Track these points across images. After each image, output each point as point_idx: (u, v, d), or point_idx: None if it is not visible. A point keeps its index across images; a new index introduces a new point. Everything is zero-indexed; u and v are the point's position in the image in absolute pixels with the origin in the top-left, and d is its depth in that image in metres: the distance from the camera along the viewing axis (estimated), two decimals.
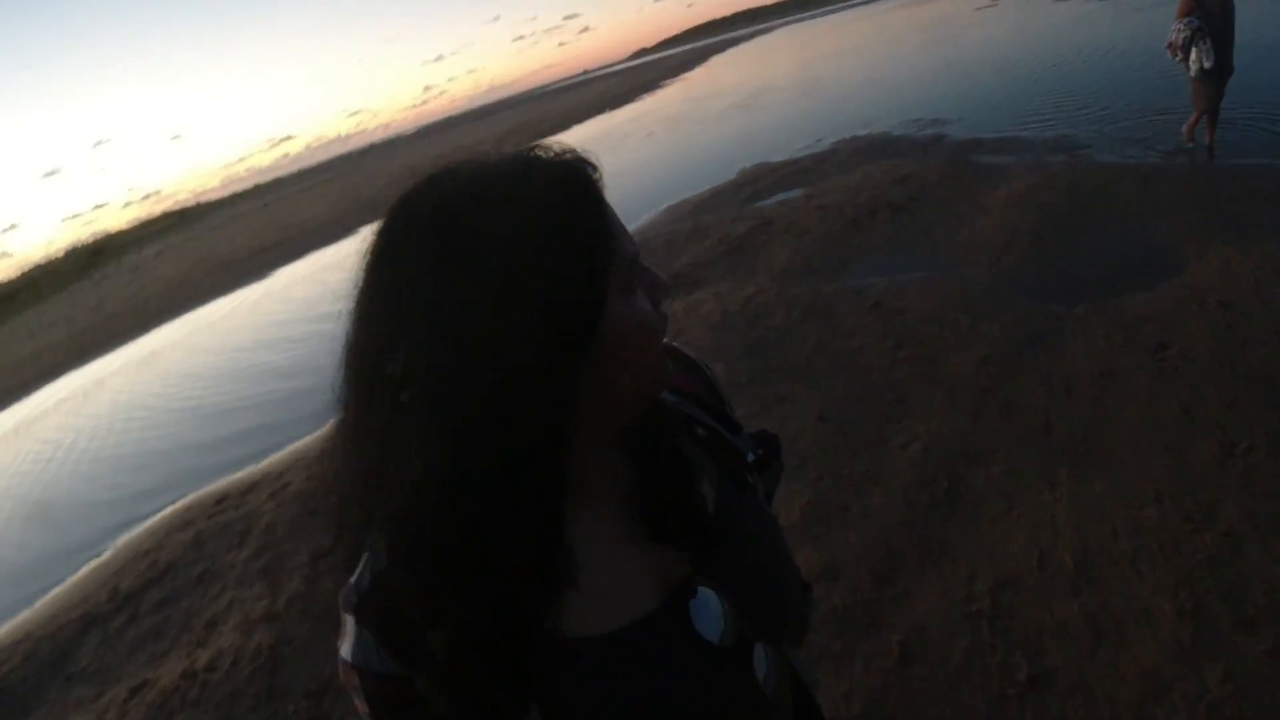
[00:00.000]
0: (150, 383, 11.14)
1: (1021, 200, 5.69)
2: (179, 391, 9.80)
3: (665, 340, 0.79)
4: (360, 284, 0.61)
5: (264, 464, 6.04)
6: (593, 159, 0.66)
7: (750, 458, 0.82)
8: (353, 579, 0.65)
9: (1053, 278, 4.41)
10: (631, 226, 6.39)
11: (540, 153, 0.63)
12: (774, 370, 4.13)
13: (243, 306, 14.77)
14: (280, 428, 6.72)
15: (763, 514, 0.79)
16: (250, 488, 5.58)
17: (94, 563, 5.57)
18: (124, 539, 5.73)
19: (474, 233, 0.57)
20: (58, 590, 5.38)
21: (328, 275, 14.10)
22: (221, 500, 5.51)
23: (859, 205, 6.60)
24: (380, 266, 0.60)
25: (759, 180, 8.62)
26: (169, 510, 5.79)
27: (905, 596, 2.46)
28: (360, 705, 0.65)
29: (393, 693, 0.63)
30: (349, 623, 0.64)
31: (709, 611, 0.66)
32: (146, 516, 5.98)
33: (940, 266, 4.94)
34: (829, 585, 2.63)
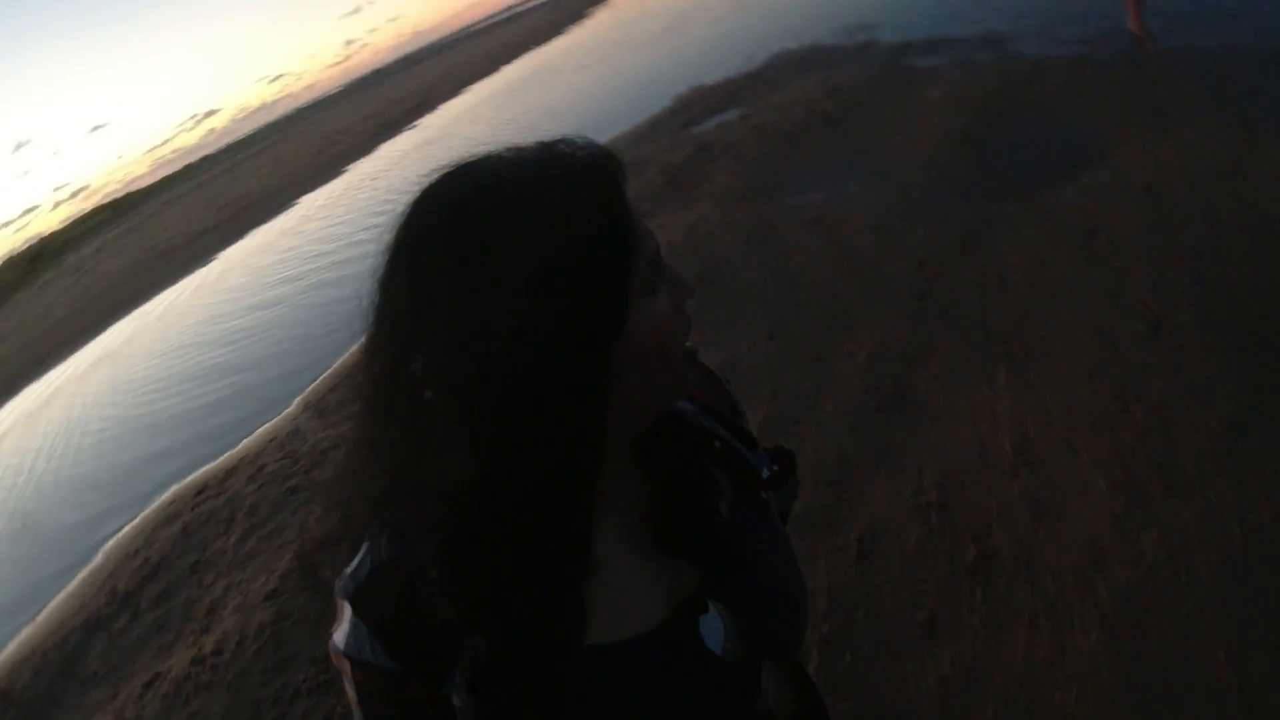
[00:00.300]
0: (107, 391, 10.98)
1: (952, 101, 5.76)
2: (135, 399, 9.67)
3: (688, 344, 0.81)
4: (380, 279, 0.60)
5: (238, 448, 6.09)
6: (616, 153, 0.64)
7: (765, 474, 0.80)
8: (350, 568, 0.65)
9: (985, 175, 4.54)
10: None
11: (564, 146, 0.62)
12: (722, 296, 4.24)
13: (189, 295, 14.53)
14: (245, 420, 6.73)
15: (775, 532, 0.78)
16: (228, 474, 5.63)
17: (87, 570, 5.62)
18: (112, 543, 5.78)
19: (496, 231, 0.56)
20: (55, 602, 5.44)
21: (263, 259, 13.87)
22: (201, 490, 5.57)
23: (794, 121, 6.63)
24: (400, 263, 0.59)
25: (694, 105, 8.59)
26: (153, 507, 5.84)
27: (859, 497, 2.63)
28: (350, 692, 0.65)
29: (383, 685, 0.63)
30: (345, 611, 0.64)
31: (714, 627, 0.65)
32: (132, 517, 6.02)
33: (876, 175, 5.04)
34: None
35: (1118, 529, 2.16)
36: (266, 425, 6.26)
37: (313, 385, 6.52)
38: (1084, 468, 2.38)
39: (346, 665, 0.64)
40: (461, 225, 0.57)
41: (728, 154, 6.39)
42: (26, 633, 5.30)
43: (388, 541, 0.63)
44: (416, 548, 0.60)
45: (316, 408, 6.04)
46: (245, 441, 6.20)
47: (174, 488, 5.99)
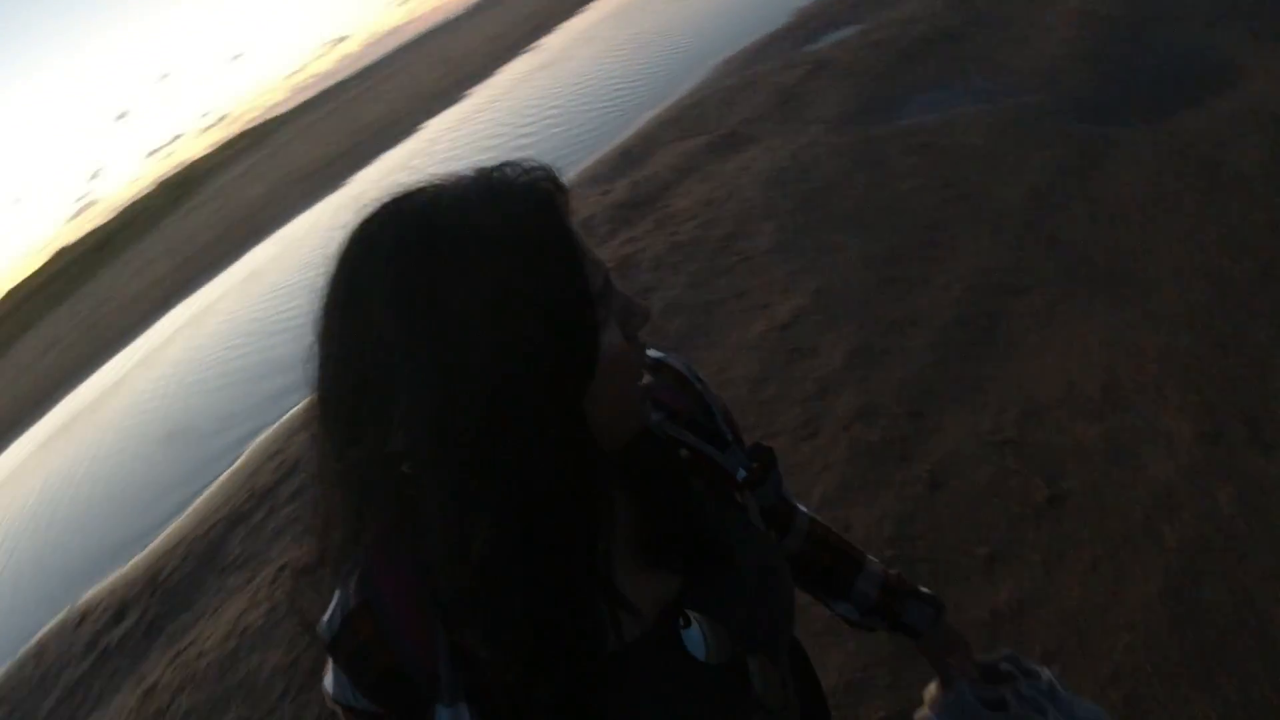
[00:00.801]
0: (254, 303, 11.83)
1: (1081, 15, 5.33)
2: (278, 311, 10.40)
3: (656, 354, 0.81)
4: (322, 336, 0.59)
5: None
6: (560, 178, 0.63)
7: (741, 475, 0.80)
8: (325, 616, 0.65)
9: (1109, 97, 4.22)
10: (685, 86, 6.34)
11: (507, 172, 0.60)
12: (823, 221, 4.18)
13: (324, 219, 15.29)
14: None
15: (751, 533, 0.77)
16: None
17: (231, 469, 6.24)
18: (253, 445, 6.37)
19: (439, 291, 0.54)
20: (202, 498, 6.09)
21: (395, 179, 14.34)
22: None
23: (914, 37, 6.29)
24: (344, 321, 0.58)
25: (813, 20, 8.25)
26: (291, 413, 6.37)
27: (936, 430, 2.61)
28: None
29: None
30: (328, 659, 0.66)
31: (695, 635, 0.66)
32: (271, 422, 6.60)
33: (994, 95, 4.76)
34: (866, 423, 2.81)
35: (1194, 479, 2.07)
36: None
37: None
38: (1170, 413, 2.28)
39: (338, 709, 0.66)
40: (402, 281, 0.55)
41: (842, 73, 6.16)
42: (176, 524, 5.98)
43: (356, 586, 0.63)
44: (401, 586, 0.62)
45: None
46: None
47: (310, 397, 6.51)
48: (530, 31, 24.71)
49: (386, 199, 0.60)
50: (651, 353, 0.81)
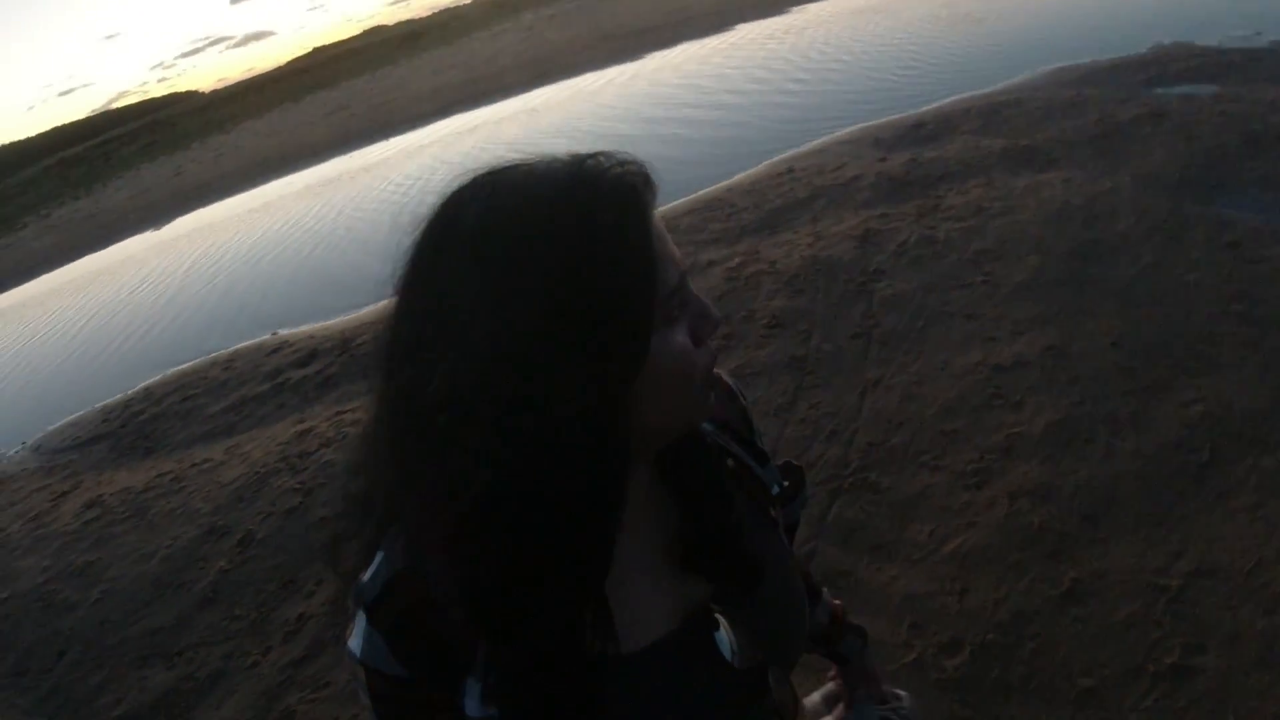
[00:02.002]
0: (522, 136, 12.51)
1: None
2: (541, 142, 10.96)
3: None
4: (402, 287, 0.61)
5: None
6: (650, 175, 0.64)
7: (775, 490, 0.82)
8: (366, 576, 0.66)
9: None
10: (1006, 80, 5.86)
11: (596, 163, 0.62)
12: (1089, 279, 3.86)
13: (614, 84, 15.63)
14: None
15: (781, 548, 0.80)
16: None
17: None
18: None
19: (518, 254, 0.56)
20: None
21: (692, 68, 14.34)
22: None
23: (1273, 123, 5.41)
24: (422, 274, 0.60)
25: (1170, 63, 7.24)
26: None
27: (1103, 544, 2.47)
28: (364, 698, 0.67)
29: (399, 693, 0.65)
30: (360, 619, 0.65)
31: (722, 636, 0.69)
32: None
33: None
34: (1034, 503, 2.70)
35: None
36: None
37: (673, 204, 6.98)
38: None
39: (362, 672, 0.65)
40: (484, 244, 0.58)
41: (1179, 131, 5.42)
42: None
43: (403, 550, 0.64)
44: (434, 562, 0.62)
45: (670, 224, 6.49)
46: None
47: None
48: None
49: (480, 172, 0.62)
50: None
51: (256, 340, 7.27)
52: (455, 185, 0.62)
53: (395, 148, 16.39)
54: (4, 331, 12.38)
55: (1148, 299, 3.57)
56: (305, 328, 7.11)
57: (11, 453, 6.79)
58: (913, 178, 5.72)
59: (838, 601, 1.10)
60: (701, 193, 7.03)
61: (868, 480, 3.09)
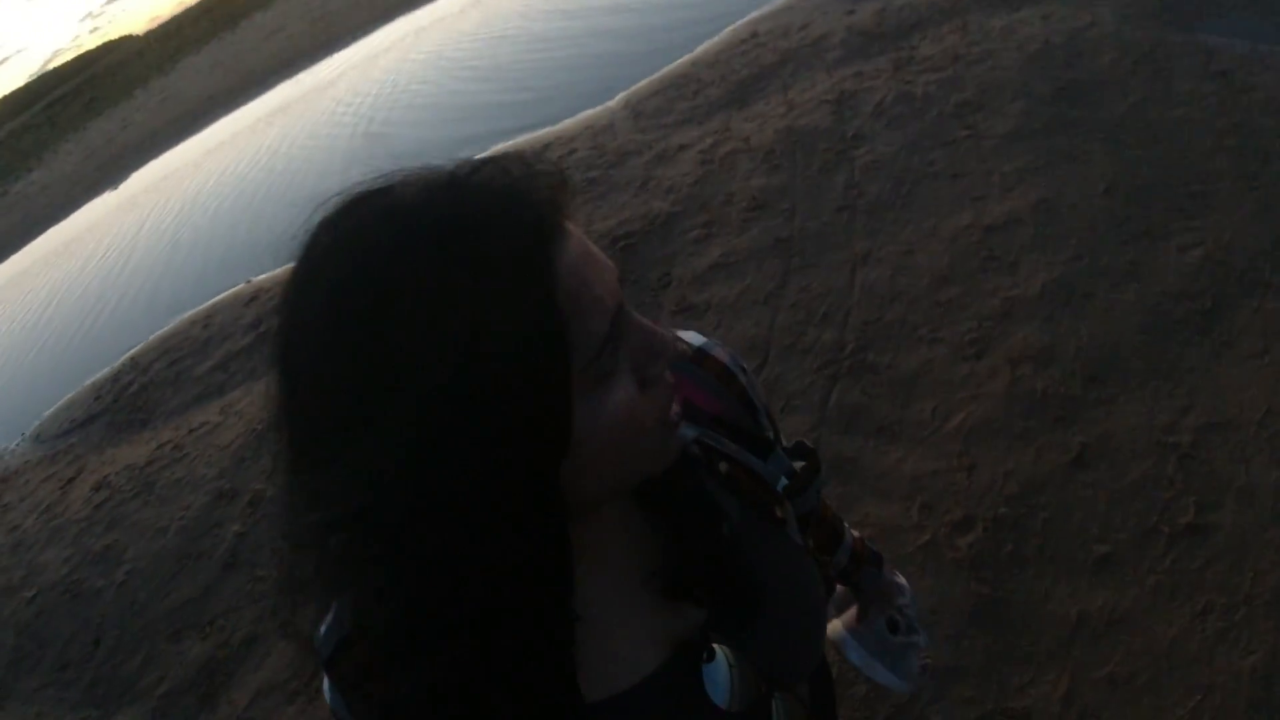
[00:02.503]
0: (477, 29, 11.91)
1: None
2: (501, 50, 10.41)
3: (699, 341, 0.75)
4: (275, 364, 0.50)
5: (557, 127, 6.59)
6: (557, 177, 0.53)
7: (782, 484, 0.73)
8: (323, 628, 0.62)
9: None
10: None
11: (480, 176, 0.51)
12: (1075, 122, 3.69)
13: None
14: (584, 94, 7.11)
15: (790, 550, 0.71)
16: (542, 148, 6.17)
17: None
18: None
19: (380, 341, 0.46)
20: None
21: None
22: None
23: None
24: (287, 359, 0.50)
25: None
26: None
27: (1108, 404, 2.44)
28: None
29: None
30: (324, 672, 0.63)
31: (719, 675, 0.60)
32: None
33: None
34: (1037, 367, 2.66)
35: None
36: (587, 112, 6.65)
37: (637, 85, 6.69)
38: None
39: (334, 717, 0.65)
40: (336, 339, 0.47)
41: None
42: None
43: (351, 611, 0.59)
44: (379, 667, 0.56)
45: (634, 109, 6.27)
46: (565, 121, 6.68)
47: (493, 147, 6.70)
48: None
49: (342, 202, 0.50)
50: (694, 338, 0.76)
51: (232, 291, 7.13)
52: (307, 236, 0.50)
53: (342, 62, 15.66)
54: None
55: (1137, 139, 3.41)
56: (279, 271, 6.95)
57: (13, 445, 6.77)
58: (884, 29, 5.42)
59: (857, 534, 1.07)
60: (665, 70, 6.70)
61: (866, 361, 3.05)
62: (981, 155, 3.80)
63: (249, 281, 7.11)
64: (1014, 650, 1.98)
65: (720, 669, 0.60)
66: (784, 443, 0.79)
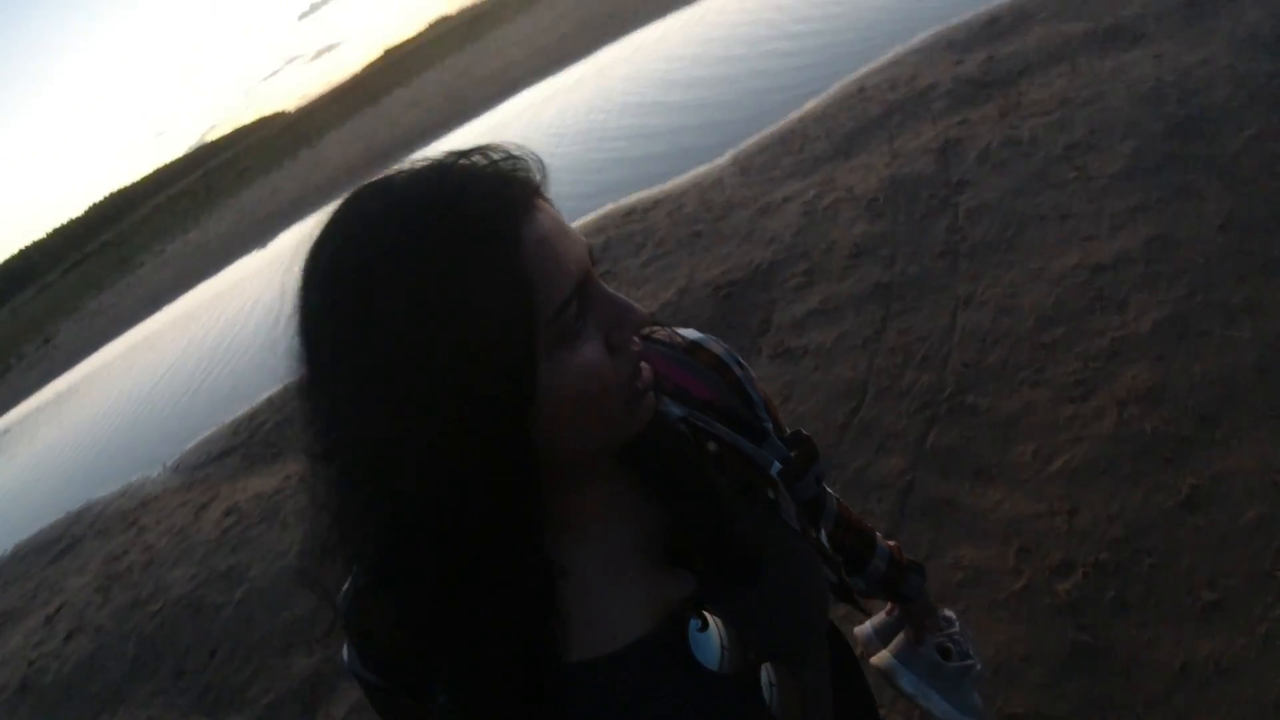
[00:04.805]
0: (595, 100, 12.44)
1: None
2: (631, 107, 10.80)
3: (694, 336, 0.79)
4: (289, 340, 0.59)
5: (667, 185, 6.80)
6: (535, 173, 0.59)
7: (776, 469, 0.76)
8: (345, 587, 0.67)
9: None
10: None
11: (472, 161, 0.58)
12: (1189, 159, 3.54)
13: (679, 29, 15.30)
14: (694, 152, 7.30)
15: (783, 532, 0.73)
16: (653, 205, 6.36)
17: None
18: None
19: (364, 300, 0.53)
20: None
21: (754, 3, 13.87)
22: (629, 213, 6.42)
23: None
24: (297, 325, 0.58)
25: None
26: (588, 218, 6.86)
27: (1222, 444, 2.30)
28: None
29: (380, 699, 0.69)
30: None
31: (708, 638, 0.63)
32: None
33: None
34: (1146, 408, 2.54)
35: None
36: (697, 170, 6.83)
37: (745, 143, 6.84)
38: None
39: (355, 680, 0.70)
40: (333, 290, 0.54)
41: None
42: None
43: (367, 564, 0.64)
44: (373, 598, 0.63)
45: (742, 165, 6.40)
46: (676, 179, 6.88)
47: (608, 206, 6.96)
48: None
49: (342, 200, 0.58)
50: (689, 334, 0.80)
51: None
52: (321, 223, 0.58)
53: (472, 131, 16.63)
54: (138, 363, 13.42)
55: (1255, 173, 3.24)
56: None
57: (155, 475, 7.39)
58: (991, 77, 5.37)
59: (893, 543, 1.07)
60: (772, 127, 6.83)
61: (965, 403, 2.97)
62: (1090, 195, 3.69)
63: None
64: (1111, 699, 1.87)
65: (711, 637, 0.63)
66: (783, 435, 0.82)
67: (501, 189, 0.55)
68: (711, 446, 0.72)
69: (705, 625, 0.63)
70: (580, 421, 0.58)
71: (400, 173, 0.58)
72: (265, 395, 7.58)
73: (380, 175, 0.58)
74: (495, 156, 0.58)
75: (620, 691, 0.62)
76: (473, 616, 0.57)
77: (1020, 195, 3.98)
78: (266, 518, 5.05)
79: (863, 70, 7.01)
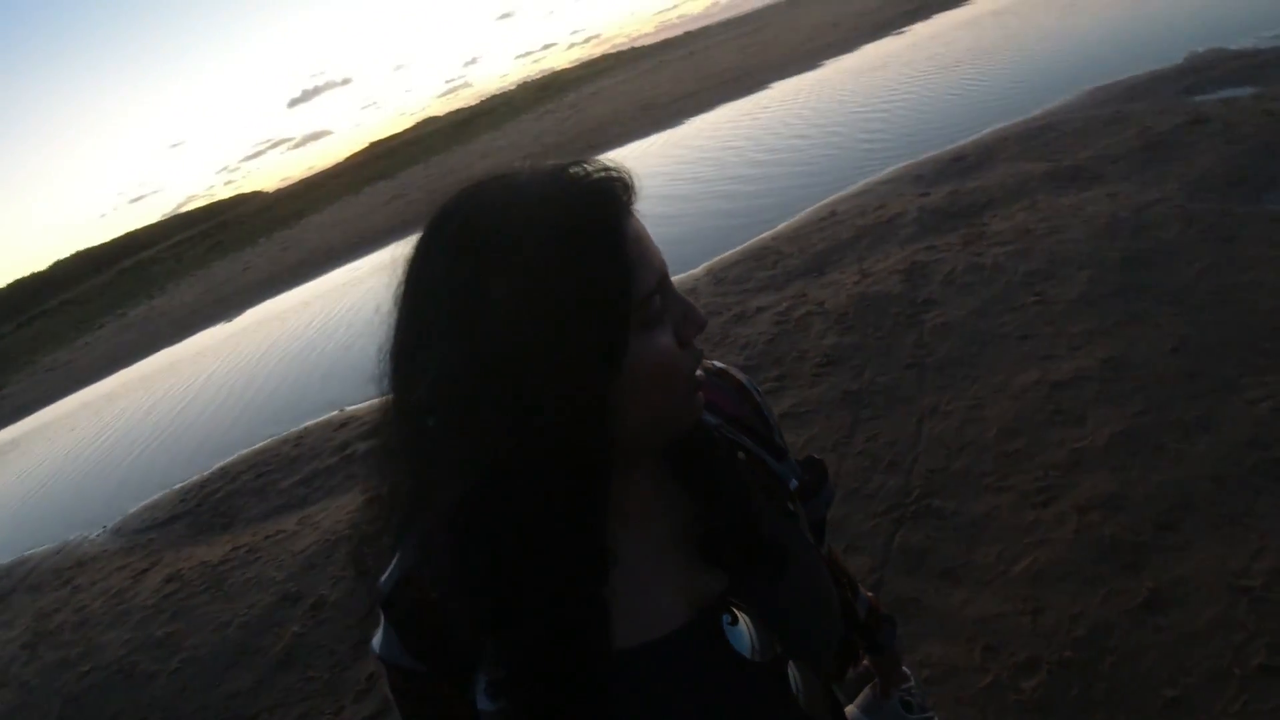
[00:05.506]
0: None
1: None
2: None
3: (720, 364, 0.87)
4: (397, 295, 0.64)
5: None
6: (632, 181, 0.66)
7: (793, 484, 0.82)
8: (385, 575, 0.69)
9: None
10: (1043, 105, 5.92)
11: (578, 169, 0.64)
12: (1144, 289, 3.77)
13: (657, 146, 16.06)
14: (670, 262, 7.53)
15: (803, 541, 0.78)
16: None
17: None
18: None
19: (493, 259, 0.58)
20: None
21: (723, 130, 14.66)
22: None
23: None
24: (408, 287, 0.63)
25: (1207, 69, 7.12)
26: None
27: (1179, 550, 2.37)
28: (387, 692, 0.71)
29: (414, 687, 0.68)
30: (380, 617, 0.69)
31: (739, 632, 0.67)
32: None
33: None
34: (1105, 514, 2.61)
35: None
36: (674, 278, 7.02)
37: (721, 255, 7.09)
38: None
39: (382, 667, 0.70)
40: (462, 248, 0.60)
41: (1223, 134, 5.32)
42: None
43: (414, 550, 0.67)
44: (436, 557, 0.65)
45: (716, 276, 6.62)
46: None
47: None
48: (906, 14, 23.42)
49: (466, 183, 0.65)
50: (715, 363, 0.87)
51: (325, 416, 7.52)
52: (439, 205, 0.64)
53: None
54: (87, 425, 13.02)
55: (1206, 302, 3.47)
56: (370, 402, 7.27)
57: (94, 536, 7.09)
58: (956, 208, 5.71)
59: (870, 594, 1.11)
60: (747, 243, 7.11)
61: (931, 507, 3.03)
62: (1049, 318, 3.89)
63: (341, 410, 7.49)
64: None
65: (741, 631, 0.67)
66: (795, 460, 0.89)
67: (607, 193, 0.63)
68: (741, 456, 0.78)
69: (735, 620, 0.67)
70: (653, 397, 0.64)
71: (520, 169, 0.65)
72: (218, 465, 7.39)
73: (500, 172, 0.65)
74: (602, 164, 0.66)
75: (662, 678, 0.65)
76: (533, 586, 0.60)
77: (983, 315, 4.18)
78: (210, 587, 4.84)
79: (833, 196, 7.39)
